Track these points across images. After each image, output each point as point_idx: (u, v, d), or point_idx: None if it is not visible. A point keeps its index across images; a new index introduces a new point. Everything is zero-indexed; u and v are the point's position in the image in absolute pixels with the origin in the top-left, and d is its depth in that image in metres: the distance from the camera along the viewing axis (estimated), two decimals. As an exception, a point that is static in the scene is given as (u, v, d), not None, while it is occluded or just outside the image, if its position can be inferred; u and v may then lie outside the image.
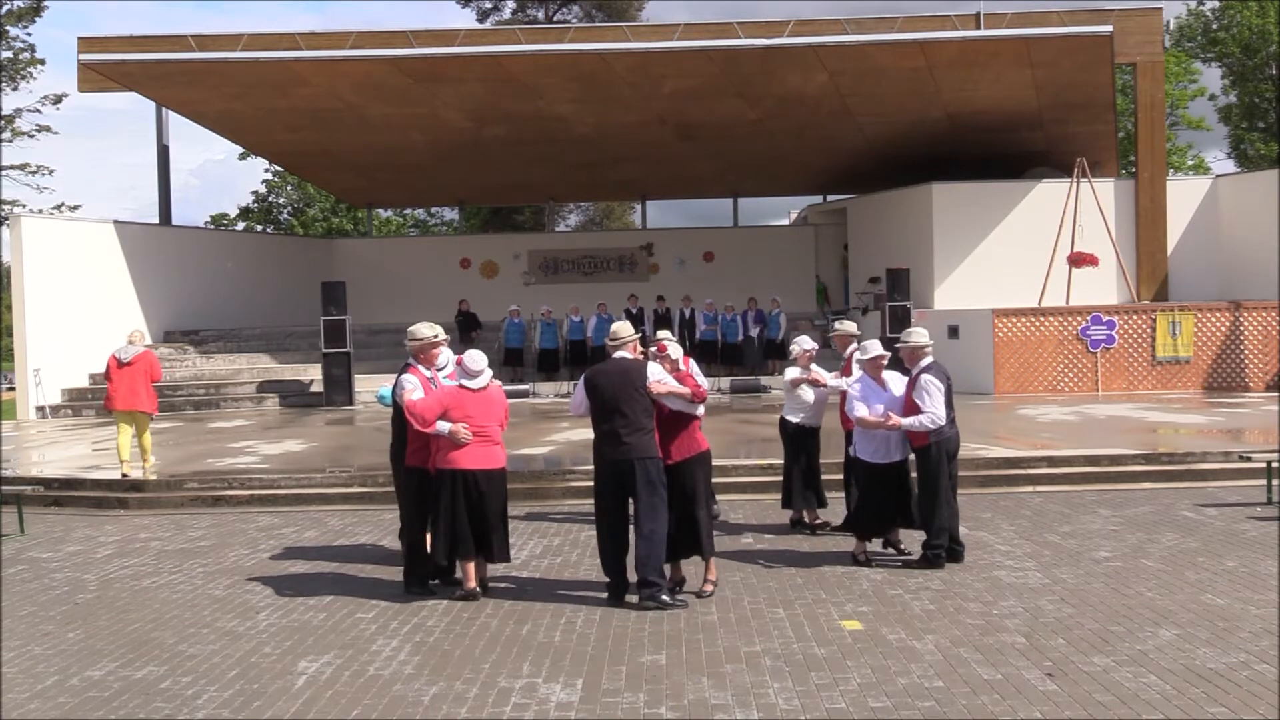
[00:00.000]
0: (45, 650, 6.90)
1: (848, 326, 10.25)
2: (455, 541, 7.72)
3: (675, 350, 8.11)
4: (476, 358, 7.89)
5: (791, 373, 9.75)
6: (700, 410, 7.85)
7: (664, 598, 7.39)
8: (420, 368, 8.04)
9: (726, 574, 8.26)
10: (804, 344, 9.87)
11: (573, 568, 8.69)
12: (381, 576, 8.60)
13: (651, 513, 7.47)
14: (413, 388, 7.81)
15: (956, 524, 8.66)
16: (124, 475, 12.86)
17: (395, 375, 8.87)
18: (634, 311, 24.15)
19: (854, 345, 9.90)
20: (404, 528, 8.25)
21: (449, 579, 8.04)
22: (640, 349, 8.11)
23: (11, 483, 11.97)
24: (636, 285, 28.32)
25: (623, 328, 8.05)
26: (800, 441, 9.84)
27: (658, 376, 7.69)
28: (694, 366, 8.42)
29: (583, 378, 7.96)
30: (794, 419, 9.81)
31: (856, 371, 9.21)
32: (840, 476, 10.08)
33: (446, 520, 7.71)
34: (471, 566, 7.81)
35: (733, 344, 23.62)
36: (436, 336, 8.16)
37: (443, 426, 7.65)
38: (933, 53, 21.27)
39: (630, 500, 7.58)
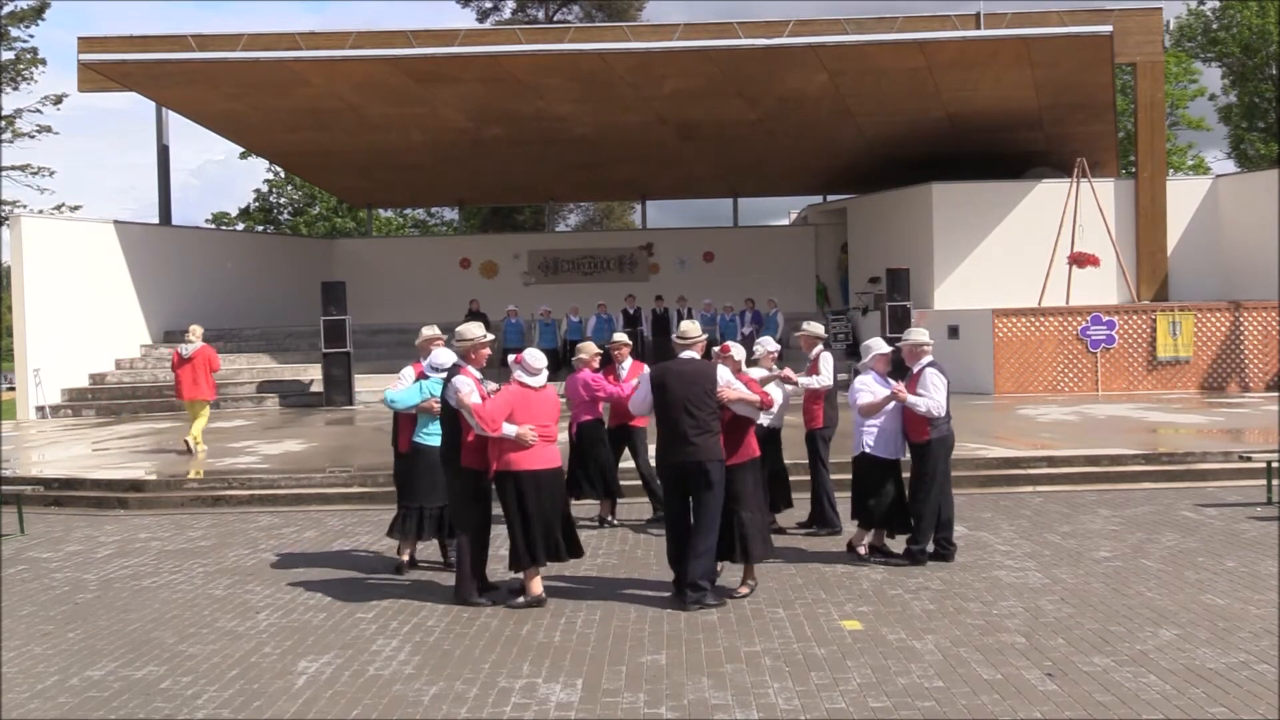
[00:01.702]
0: (45, 650, 6.90)
1: (814, 328, 10.16)
2: (528, 546, 7.55)
3: (739, 352, 8.22)
4: (537, 355, 7.80)
5: (756, 374, 9.61)
6: (762, 417, 8.01)
7: (710, 601, 7.42)
8: (471, 369, 7.90)
9: (726, 574, 8.26)
10: (767, 345, 9.90)
11: (572, 567, 8.67)
12: (381, 576, 8.62)
13: (711, 525, 7.48)
14: (469, 390, 7.64)
15: (952, 522, 8.73)
16: (188, 447, 14.83)
17: (399, 377, 8.83)
18: (631, 312, 24.15)
19: (819, 347, 9.94)
20: (457, 534, 7.96)
21: (488, 586, 7.89)
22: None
23: (11, 483, 11.97)
24: (637, 285, 28.31)
25: (692, 327, 7.94)
26: (764, 444, 9.76)
27: (727, 380, 7.66)
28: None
29: (647, 374, 7.89)
30: (762, 421, 9.67)
31: (826, 371, 9.64)
32: (805, 477, 10.13)
33: (518, 525, 7.52)
34: (538, 572, 7.68)
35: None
36: (486, 337, 8.08)
37: (509, 429, 7.48)
38: (933, 53, 21.27)
39: (690, 500, 7.59)
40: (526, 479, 7.53)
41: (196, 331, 15.37)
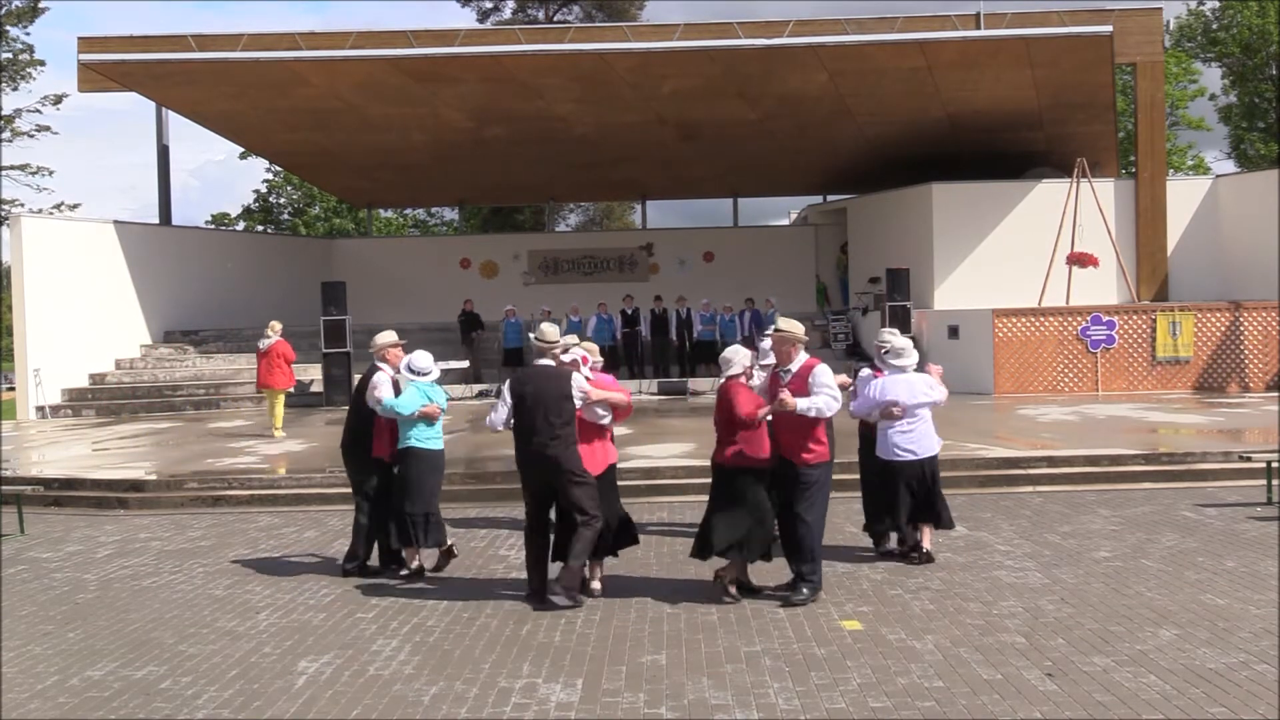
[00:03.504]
0: (45, 650, 6.90)
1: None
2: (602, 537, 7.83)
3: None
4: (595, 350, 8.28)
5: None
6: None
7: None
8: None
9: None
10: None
11: (573, 568, 8.68)
12: (381, 577, 8.61)
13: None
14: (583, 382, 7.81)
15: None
16: (276, 432, 16.81)
17: (375, 384, 8.56)
18: (629, 312, 24.14)
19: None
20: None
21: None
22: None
23: (11, 483, 11.97)
24: (637, 285, 28.31)
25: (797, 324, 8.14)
26: None
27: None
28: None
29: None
30: None
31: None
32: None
33: (605, 517, 7.76)
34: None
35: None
36: (569, 339, 8.20)
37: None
38: (933, 53, 21.26)
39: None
40: (613, 470, 7.98)
41: (275, 327, 17.47)
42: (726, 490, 7.57)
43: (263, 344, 17.31)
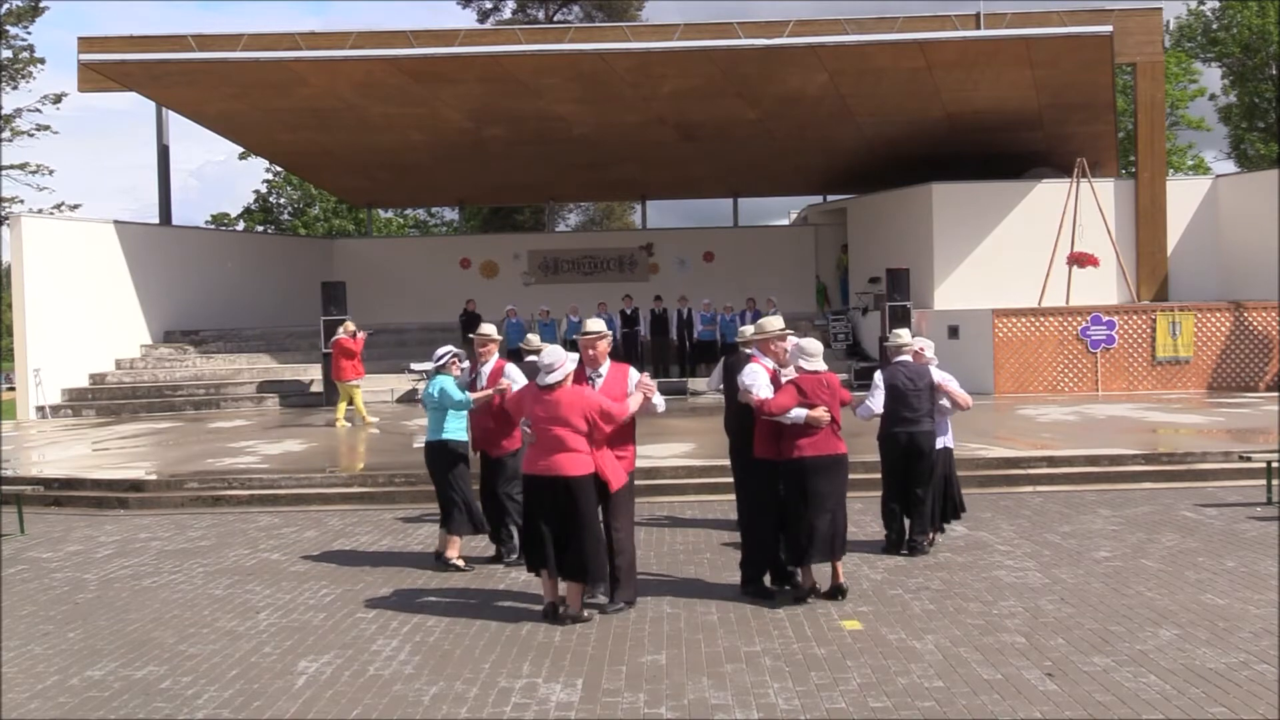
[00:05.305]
0: (45, 650, 6.90)
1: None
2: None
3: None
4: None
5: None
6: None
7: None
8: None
9: (727, 574, 8.28)
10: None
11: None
12: (381, 576, 8.62)
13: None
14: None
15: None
16: (337, 424, 17.90)
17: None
18: (629, 312, 24.12)
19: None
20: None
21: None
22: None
23: (11, 483, 11.97)
24: (637, 285, 28.29)
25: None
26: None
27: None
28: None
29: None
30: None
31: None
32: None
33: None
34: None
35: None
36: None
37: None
38: (933, 53, 21.26)
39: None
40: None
41: (348, 326, 18.75)
42: (835, 485, 7.45)
43: (329, 344, 19.05)
